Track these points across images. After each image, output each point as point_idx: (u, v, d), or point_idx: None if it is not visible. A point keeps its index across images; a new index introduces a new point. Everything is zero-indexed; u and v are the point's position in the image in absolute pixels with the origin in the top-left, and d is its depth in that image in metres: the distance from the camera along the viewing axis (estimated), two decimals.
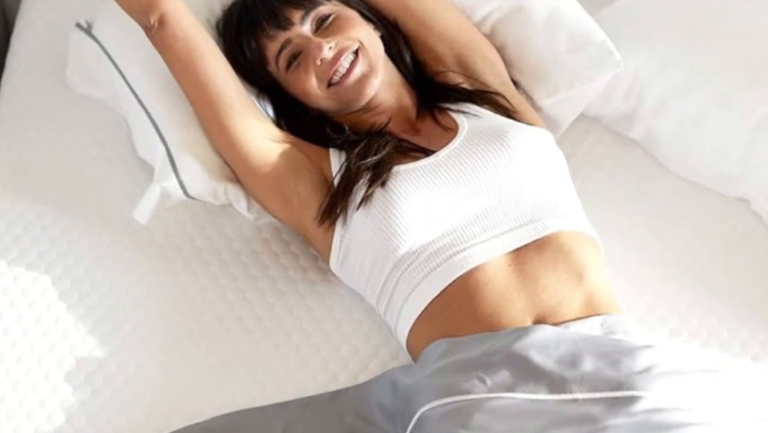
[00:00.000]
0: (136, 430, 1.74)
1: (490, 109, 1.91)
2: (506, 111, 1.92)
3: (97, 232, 1.98)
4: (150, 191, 1.87)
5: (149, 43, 1.88)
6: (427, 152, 1.82)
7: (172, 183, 1.86)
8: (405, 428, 1.61)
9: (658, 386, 1.54)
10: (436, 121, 1.90)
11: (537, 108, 2.01)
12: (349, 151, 1.84)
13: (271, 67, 1.92)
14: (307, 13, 1.89)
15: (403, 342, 1.77)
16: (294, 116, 1.94)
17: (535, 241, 1.73)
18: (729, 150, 1.98)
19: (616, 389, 1.54)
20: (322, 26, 1.89)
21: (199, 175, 1.87)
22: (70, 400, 1.78)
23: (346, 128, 1.90)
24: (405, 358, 1.80)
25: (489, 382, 1.58)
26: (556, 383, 1.57)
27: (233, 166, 1.89)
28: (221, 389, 1.79)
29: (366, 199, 1.76)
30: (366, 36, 1.89)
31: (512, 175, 1.78)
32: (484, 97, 1.93)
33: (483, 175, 1.78)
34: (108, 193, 2.05)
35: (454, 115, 1.89)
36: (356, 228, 1.78)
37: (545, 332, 1.64)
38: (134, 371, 1.81)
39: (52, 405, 1.77)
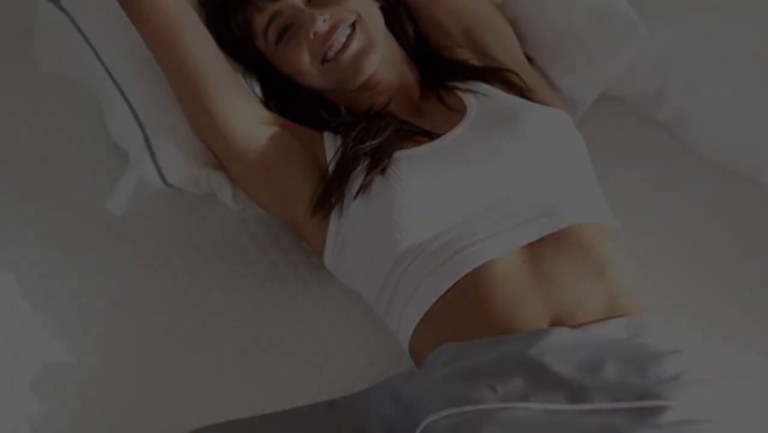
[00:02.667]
0: None
1: (501, 88, 1.88)
2: (519, 90, 1.89)
3: (67, 224, 1.95)
4: (125, 179, 1.85)
5: (125, 16, 1.84)
6: (431, 136, 1.79)
7: (150, 170, 1.84)
8: None
9: (688, 395, 1.50)
10: (441, 101, 1.87)
11: (554, 87, 1.99)
12: (346, 134, 1.81)
13: (260, 42, 1.88)
14: None
15: (406, 346, 1.73)
16: (285, 96, 1.91)
17: (551, 234, 1.69)
18: None
19: (642, 399, 1.50)
20: None
21: (179, 162, 1.84)
22: (37, 411, 1.74)
23: (342, 109, 1.87)
24: (407, 364, 1.76)
25: (501, 391, 1.54)
26: (575, 392, 1.52)
27: (217, 151, 1.85)
28: (204, 399, 1.76)
29: (364, 187, 1.72)
30: (364, 7, 1.85)
31: (526, 162, 1.74)
32: (495, 74, 1.90)
33: (493, 161, 1.73)
34: (78, 182, 2.02)
35: (461, 94, 1.85)
36: (353, 220, 1.74)
37: (563, 335, 1.60)
38: (108, 380, 1.78)
39: (16, 417, 1.73)
